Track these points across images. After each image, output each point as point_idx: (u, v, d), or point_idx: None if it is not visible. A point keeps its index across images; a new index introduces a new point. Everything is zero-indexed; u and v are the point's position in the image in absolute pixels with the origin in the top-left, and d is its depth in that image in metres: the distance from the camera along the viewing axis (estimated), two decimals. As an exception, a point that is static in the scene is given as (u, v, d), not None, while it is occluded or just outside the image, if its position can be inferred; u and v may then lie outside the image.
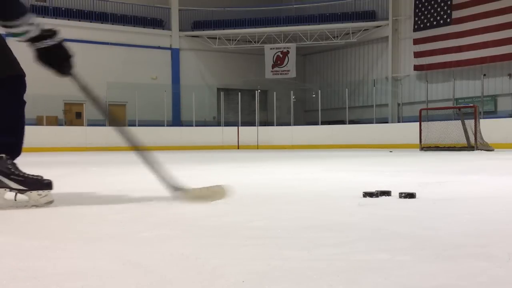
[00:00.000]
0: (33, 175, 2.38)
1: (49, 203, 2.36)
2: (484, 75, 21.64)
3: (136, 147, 2.63)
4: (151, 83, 25.46)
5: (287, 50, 26.98)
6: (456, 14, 22.30)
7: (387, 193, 2.59)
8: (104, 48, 24.92)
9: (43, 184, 2.36)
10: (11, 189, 2.32)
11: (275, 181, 4.10)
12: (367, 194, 2.55)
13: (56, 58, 2.38)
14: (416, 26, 23.76)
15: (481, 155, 10.77)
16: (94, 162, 8.78)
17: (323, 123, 23.03)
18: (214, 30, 27.12)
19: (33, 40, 2.33)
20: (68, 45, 2.45)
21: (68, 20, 24.17)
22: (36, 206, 2.32)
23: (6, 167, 2.33)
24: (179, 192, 2.45)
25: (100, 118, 22.25)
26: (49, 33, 2.37)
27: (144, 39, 26.15)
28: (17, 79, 2.47)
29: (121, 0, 26.01)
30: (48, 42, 2.34)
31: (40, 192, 2.33)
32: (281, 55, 27.08)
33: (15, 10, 2.28)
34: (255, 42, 27.31)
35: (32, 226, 1.88)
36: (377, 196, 2.55)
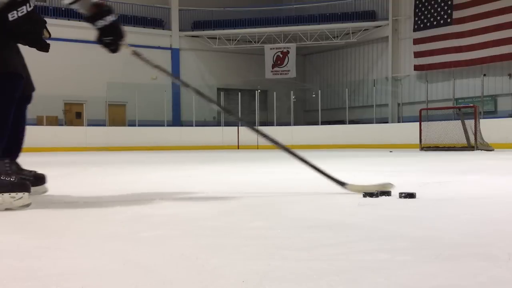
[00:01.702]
0: (10, 178, 2.19)
1: (25, 206, 2.18)
2: (484, 75, 21.64)
3: (284, 148, 2.75)
4: (151, 83, 25.45)
5: (287, 50, 26.97)
6: (456, 14, 22.29)
7: (387, 193, 2.59)
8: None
9: (17, 186, 2.17)
10: None
11: (275, 181, 4.10)
12: (367, 194, 2.55)
13: (118, 33, 2.34)
14: (416, 26, 23.75)
15: (481, 155, 10.77)
16: (94, 162, 8.78)
17: (323, 123, 23.02)
18: (214, 30, 27.11)
19: (92, 17, 2.26)
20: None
21: (68, 20, 24.16)
22: (11, 209, 2.15)
23: None
24: (345, 186, 2.66)
25: (100, 118, 22.28)
26: (105, 9, 2.30)
27: (144, 39, 26.12)
28: (7, 77, 2.30)
29: (121, 0, 26.01)
30: (108, 19, 2.29)
31: (14, 194, 2.14)
32: (281, 55, 27.07)
33: None
34: (255, 42, 27.30)
35: (32, 226, 1.88)
36: (377, 196, 2.55)
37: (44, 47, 2.40)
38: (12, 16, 2.17)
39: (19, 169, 2.70)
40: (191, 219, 2.00)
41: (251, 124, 2.86)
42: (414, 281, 1.08)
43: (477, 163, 7.05)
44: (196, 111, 23.08)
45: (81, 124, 22.25)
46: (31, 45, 2.36)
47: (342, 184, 2.68)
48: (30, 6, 2.23)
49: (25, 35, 2.29)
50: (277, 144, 2.78)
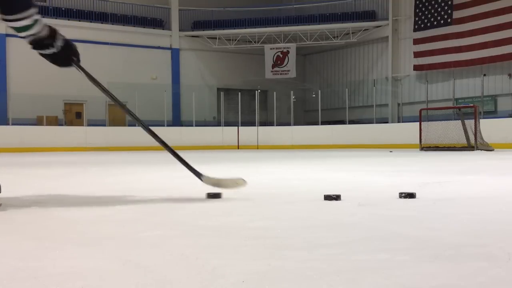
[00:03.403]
0: None
1: None
2: (484, 75, 21.64)
3: (158, 140, 2.72)
4: (151, 83, 25.46)
5: (287, 50, 26.97)
6: (456, 14, 22.30)
7: (337, 197, 2.51)
8: (104, 48, 24.91)
9: None
10: None
11: (275, 181, 4.10)
12: (211, 195, 2.62)
13: (64, 59, 2.41)
14: (416, 26, 23.76)
15: (481, 155, 10.77)
16: (94, 162, 8.78)
17: (323, 123, 23.02)
18: (214, 30, 27.12)
19: (36, 46, 2.30)
20: (72, 43, 2.46)
21: (68, 20, 24.16)
22: None
23: None
24: (203, 178, 2.64)
25: (100, 118, 22.28)
26: (52, 38, 2.33)
27: (144, 39, 26.15)
28: None
29: (121, 0, 26.00)
30: (51, 49, 2.33)
31: None
32: (281, 55, 27.07)
33: (17, 2, 2.21)
34: (255, 42, 27.30)
35: (32, 226, 1.88)
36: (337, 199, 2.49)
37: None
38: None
39: None
40: (191, 219, 2.00)
41: (145, 126, 2.88)
42: (414, 281, 1.08)
43: (477, 163, 7.05)
44: (196, 111, 23.09)
45: (81, 124, 22.25)
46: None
47: (199, 175, 2.67)
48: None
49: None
50: (164, 145, 2.75)
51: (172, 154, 2.69)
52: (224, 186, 2.65)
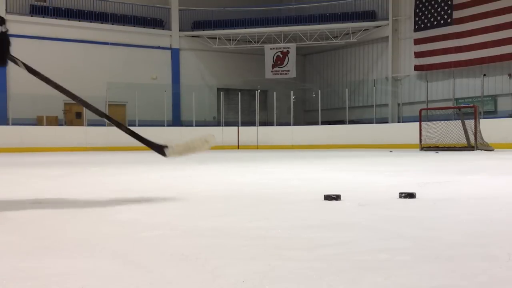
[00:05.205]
0: None
1: None
2: (484, 75, 21.63)
3: (110, 119, 2.61)
4: (151, 83, 25.45)
5: (287, 50, 26.96)
6: (456, 14, 22.30)
7: (337, 197, 2.52)
8: (104, 48, 24.89)
9: None
10: None
11: (275, 181, 4.10)
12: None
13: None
14: (416, 26, 23.75)
15: (481, 155, 10.77)
16: (94, 162, 8.78)
17: (323, 123, 23.02)
18: (214, 30, 27.11)
19: None
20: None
21: (68, 20, 24.15)
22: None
23: None
24: (166, 149, 2.49)
25: (100, 118, 22.31)
26: None
27: (144, 39, 26.14)
28: None
29: (121, 0, 25.99)
30: None
31: None
32: (281, 55, 27.05)
33: None
34: (255, 42, 27.29)
35: (32, 226, 1.88)
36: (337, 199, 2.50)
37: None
38: None
39: None
40: (191, 219, 1.99)
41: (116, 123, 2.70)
42: (414, 281, 1.08)
43: (477, 163, 7.04)
44: (196, 111, 23.09)
45: (81, 124, 22.25)
46: None
47: (162, 151, 2.50)
48: None
49: None
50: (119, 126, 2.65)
51: (129, 133, 2.60)
52: (193, 150, 2.45)
